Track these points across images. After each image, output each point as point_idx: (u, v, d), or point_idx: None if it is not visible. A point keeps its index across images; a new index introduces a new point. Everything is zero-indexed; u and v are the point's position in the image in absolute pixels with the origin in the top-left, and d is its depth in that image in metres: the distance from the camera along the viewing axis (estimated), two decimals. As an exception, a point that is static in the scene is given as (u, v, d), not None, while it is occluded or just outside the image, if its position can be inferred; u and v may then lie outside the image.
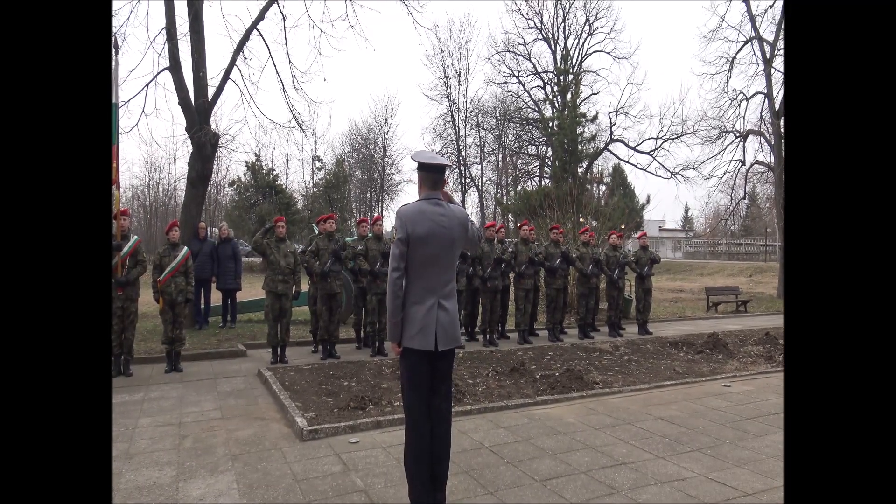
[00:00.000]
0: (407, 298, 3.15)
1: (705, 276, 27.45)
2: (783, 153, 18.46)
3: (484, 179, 41.68)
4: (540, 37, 33.40)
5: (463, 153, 40.04)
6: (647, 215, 33.61)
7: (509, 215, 30.00)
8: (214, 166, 12.90)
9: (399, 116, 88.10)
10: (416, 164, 3.29)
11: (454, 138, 39.81)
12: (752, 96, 20.95)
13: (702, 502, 3.49)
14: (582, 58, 33.02)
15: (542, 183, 32.44)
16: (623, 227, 15.92)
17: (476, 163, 41.45)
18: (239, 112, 70.17)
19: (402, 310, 3.14)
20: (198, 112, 10.11)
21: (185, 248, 7.31)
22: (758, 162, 22.19)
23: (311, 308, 8.26)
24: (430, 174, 3.25)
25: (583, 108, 29.01)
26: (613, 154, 30.85)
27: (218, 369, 7.22)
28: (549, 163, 32.71)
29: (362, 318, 8.53)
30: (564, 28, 33.20)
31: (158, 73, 10.26)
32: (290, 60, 10.78)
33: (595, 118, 29.03)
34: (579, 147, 27.40)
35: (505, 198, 35.54)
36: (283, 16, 10.91)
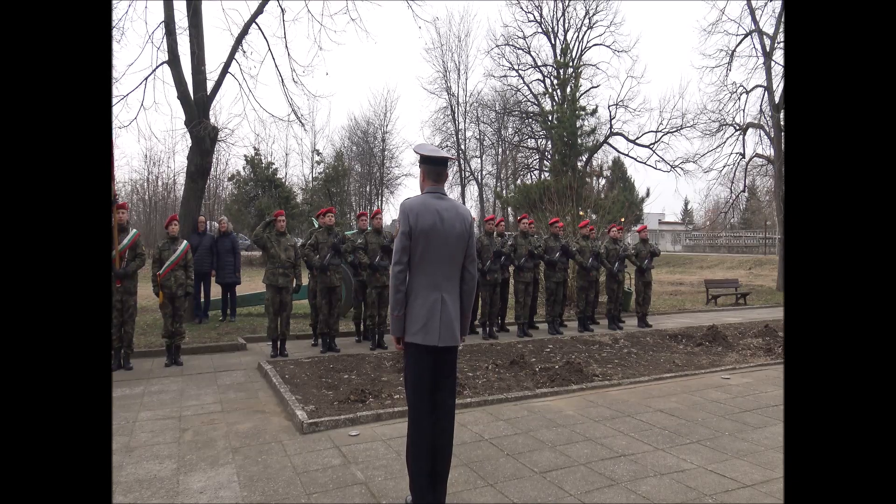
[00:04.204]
0: (410, 293, 3.14)
1: (705, 268, 27.51)
2: (783, 146, 18.45)
3: (483, 173, 41.71)
4: (539, 30, 33.29)
5: (462, 147, 39.97)
6: (647, 208, 33.61)
7: (509, 209, 29.98)
8: (214, 160, 12.87)
9: (398, 110, 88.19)
10: (417, 158, 3.28)
11: (454, 132, 39.75)
12: (751, 89, 20.94)
13: (701, 493, 3.50)
14: (581, 51, 32.94)
15: (542, 176, 32.43)
16: (623, 220, 15.94)
17: (475, 156, 41.46)
18: (238, 106, 69.92)
19: (405, 304, 3.13)
20: (197, 106, 10.07)
21: (185, 241, 7.33)
22: (757, 155, 22.19)
23: (311, 302, 8.27)
24: (434, 167, 3.24)
25: (582, 102, 28.89)
26: (613, 147, 30.81)
27: (218, 363, 7.23)
28: (549, 156, 32.66)
29: (362, 311, 8.54)
30: (564, 21, 33.10)
31: (157, 68, 10.22)
32: (289, 54, 10.77)
33: (595, 111, 28.94)
34: (579, 140, 27.32)
35: (504, 191, 35.47)
36: (282, 9, 10.88)
